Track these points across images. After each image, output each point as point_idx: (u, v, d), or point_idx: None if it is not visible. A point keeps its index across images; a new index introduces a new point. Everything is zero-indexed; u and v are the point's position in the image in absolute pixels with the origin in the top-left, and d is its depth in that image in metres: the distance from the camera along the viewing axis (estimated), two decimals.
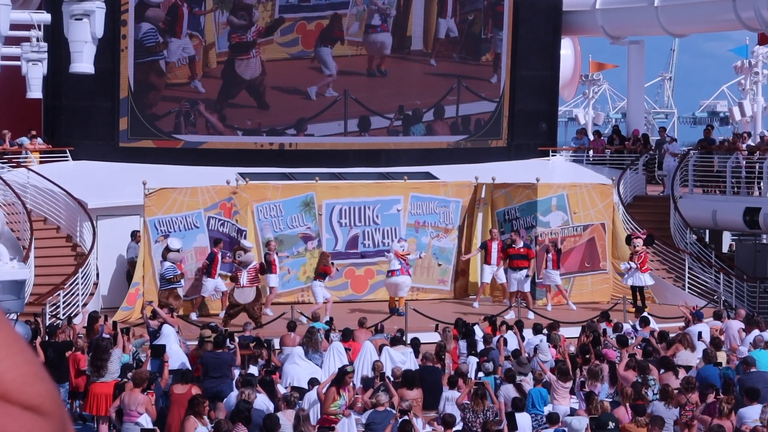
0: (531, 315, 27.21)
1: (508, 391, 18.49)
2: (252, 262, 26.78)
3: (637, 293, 29.00)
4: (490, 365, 20.01)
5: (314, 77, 34.86)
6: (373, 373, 19.43)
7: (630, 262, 28.99)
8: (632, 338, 22.68)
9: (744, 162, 33.74)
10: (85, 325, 22.62)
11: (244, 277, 26.42)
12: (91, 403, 18.81)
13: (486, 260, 29.26)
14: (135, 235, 28.74)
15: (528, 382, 18.90)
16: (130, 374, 18.31)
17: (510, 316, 26.74)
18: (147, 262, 27.64)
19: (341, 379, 17.69)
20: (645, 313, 25.55)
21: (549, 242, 29.86)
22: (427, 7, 35.70)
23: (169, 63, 33.20)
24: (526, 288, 28.91)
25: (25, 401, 1.82)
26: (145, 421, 17.17)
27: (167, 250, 26.66)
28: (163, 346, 19.85)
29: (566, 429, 16.79)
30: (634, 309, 28.04)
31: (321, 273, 27.38)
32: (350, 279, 30.44)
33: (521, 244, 29.10)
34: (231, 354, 20.09)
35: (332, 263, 27.77)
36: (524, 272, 28.84)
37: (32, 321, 23.15)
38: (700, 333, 22.93)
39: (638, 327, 24.23)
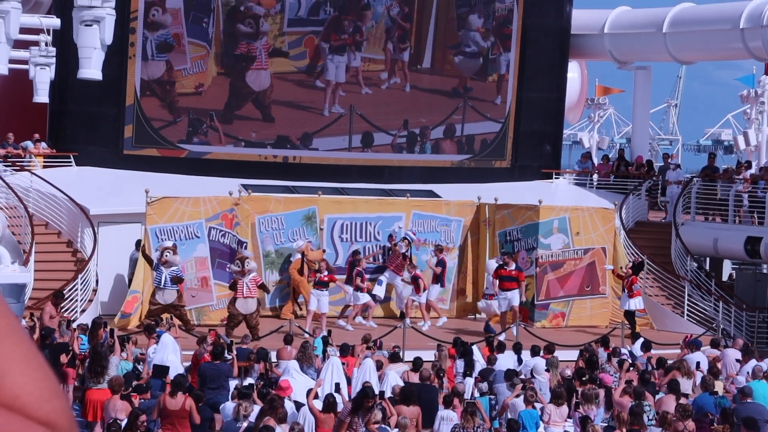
0: (515, 331, 27.24)
1: (518, 404, 18.53)
2: (254, 272, 26.83)
3: (631, 318, 29.17)
4: (484, 385, 19.99)
5: (320, 93, 34.90)
6: None
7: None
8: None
9: (748, 190, 33.64)
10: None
11: (245, 288, 26.42)
12: (87, 409, 18.77)
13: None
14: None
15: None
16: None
17: (503, 337, 26.80)
18: (147, 271, 27.63)
19: (332, 407, 17.54)
20: (642, 339, 25.50)
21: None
22: (438, 24, 35.76)
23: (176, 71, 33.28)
24: (515, 302, 28.91)
25: (42, 417, 1.84)
26: None
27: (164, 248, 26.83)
28: (167, 368, 19.70)
29: None
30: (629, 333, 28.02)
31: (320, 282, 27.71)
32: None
33: (513, 267, 29.18)
34: (228, 365, 20.07)
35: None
36: (514, 292, 28.89)
37: (31, 320, 23.14)
38: (698, 363, 22.89)
39: (635, 352, 24.20)
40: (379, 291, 29.65)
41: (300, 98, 34.73)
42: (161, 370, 19.60)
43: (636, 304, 29.24)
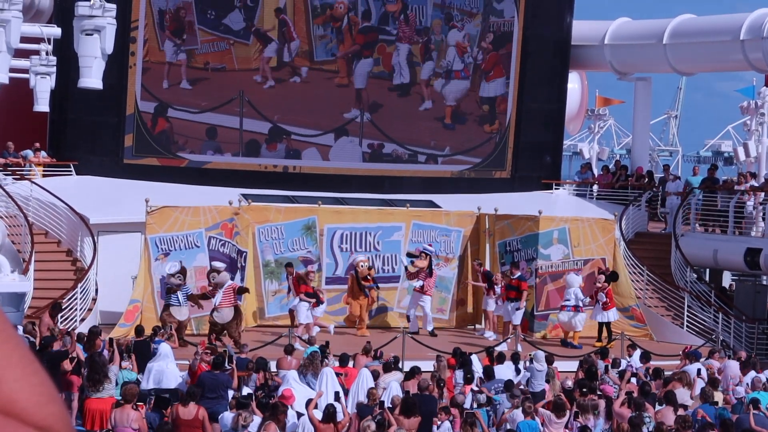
0: (519, 347, 27.14)
1: (517, 416, 18.53)
2: (227, 282, 26.69)
3: (603, 329, 29.16)
4: (482, 396, 19.97)
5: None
6: (367, 400, 19.34)
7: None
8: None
9: (757, 203, 33.54)
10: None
11: (219, 298, 26.33)
12: (86, 418, 18.75)
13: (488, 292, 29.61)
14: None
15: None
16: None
17: (503, 347, 26.77)
18: (147, 280, 27.61)
19: (331, 417, 17.48)
20: (638, 351, 25.42)
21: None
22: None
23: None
24: (515, 321, 28.93)
25: (39, 422, 1.84)
26: None
27: (170, 275, 26.67)
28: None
29: None
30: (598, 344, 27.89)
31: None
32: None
33: (517, 275, 29.21)
34: (227, 375, 20.04)
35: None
36: (515, 304, 28.89)
37: (31, 327, 23.12)
38: (698, 371, 22.89)
39: (634, 364, 24.15)
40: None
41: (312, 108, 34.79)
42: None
43: (610, 316, 29.14)
